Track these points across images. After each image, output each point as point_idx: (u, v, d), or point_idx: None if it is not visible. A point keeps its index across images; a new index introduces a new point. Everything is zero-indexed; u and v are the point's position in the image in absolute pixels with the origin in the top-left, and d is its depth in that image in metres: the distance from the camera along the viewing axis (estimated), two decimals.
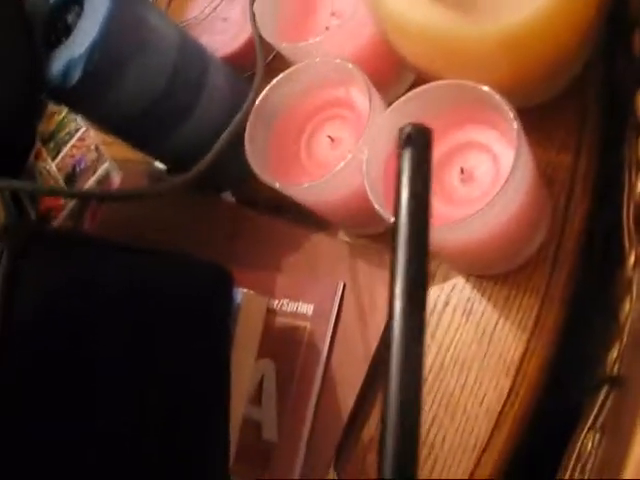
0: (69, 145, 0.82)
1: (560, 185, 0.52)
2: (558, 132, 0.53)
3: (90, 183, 0.78)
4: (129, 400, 0.46)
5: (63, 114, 0.82)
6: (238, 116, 0.53)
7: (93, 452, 0.43)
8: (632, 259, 0.42)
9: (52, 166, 0.81)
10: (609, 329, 0.44)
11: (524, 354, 0.49)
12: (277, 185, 0.49)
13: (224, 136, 0.53)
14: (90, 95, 0.52)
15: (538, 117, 0.53)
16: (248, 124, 0.51)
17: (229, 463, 0.52)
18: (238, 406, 0.54)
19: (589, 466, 0.40)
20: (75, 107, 0.58)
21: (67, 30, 0.53)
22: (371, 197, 0.44)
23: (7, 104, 0.51)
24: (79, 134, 0.82)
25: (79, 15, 0.52)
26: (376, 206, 0.44)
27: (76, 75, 0.50)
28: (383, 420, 0.26)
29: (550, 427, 0.50)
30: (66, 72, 0.50)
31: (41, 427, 0.40)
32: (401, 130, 0.31)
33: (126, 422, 0.45)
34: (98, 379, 0.44)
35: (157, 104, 0.55)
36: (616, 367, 0.40)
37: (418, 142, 0.31)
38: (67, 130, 0.82)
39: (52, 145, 0.82)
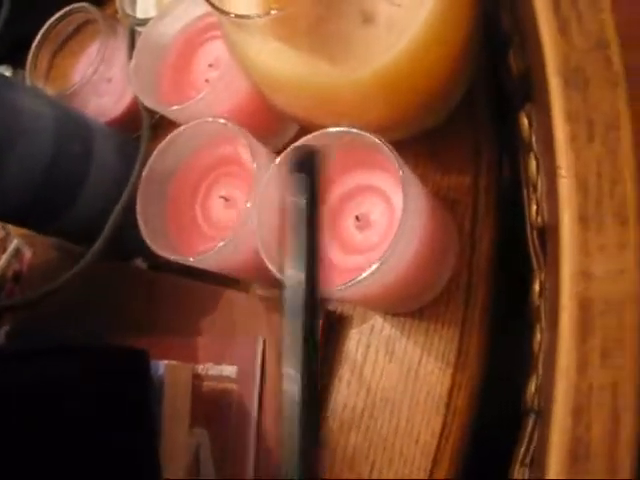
0: None
1: (464, 206, 0.51)
2: (455, 155, 0.53)
3: (3, 261, 0.76)
4: None
5: None
6: (127, 189, 0.52)
7: None
8: (537, 286, 0.41)
9: None
10: (526, 357, 0.43)
11: (451, 388, 0.48)
12: (174, 257, 0.47)
13: (115, 213, 0.51)
14: None
15: (433, 143, 0.53)
16: (138, 196, 0.49)
17: None
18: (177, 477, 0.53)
19: None
20: None
21: None
22: (265, 259, 0.43)
23: None
24: None
25: None
26: (271, 267, 0.42)
27: None
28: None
29: (485, 455, 0.49)
30: None
31: None
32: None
33: None
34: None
35: (45, 186, 0.53)
36: (535, 401, 0.40)
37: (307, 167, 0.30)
38: None
39: None
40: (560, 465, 0.27)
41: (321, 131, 0.44)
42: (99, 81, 0.64)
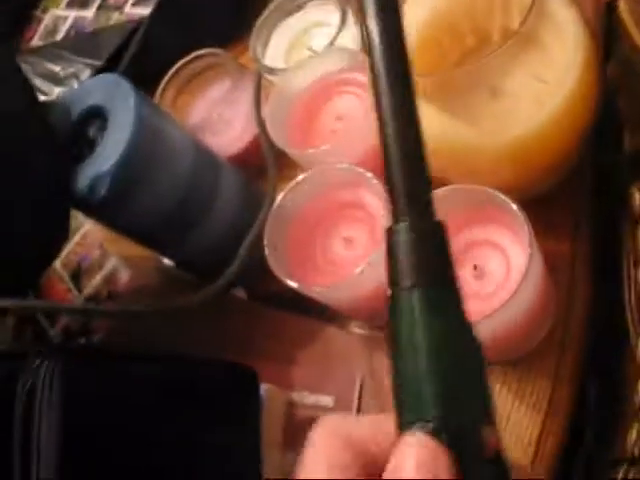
0: (72, 243, 0.84)
1: (562, 272, 0.55)
2: (555, 221, 0.57)
3: (97, 280, 0.80)
4: None
5: None
6: (255, 224, 0.56)
7: None
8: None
9: (57, 263, 0.83)
10: (623, 411, 0.47)
11: (540, 435, 0.52)
12: (300, 287, 0.51)
13: (247, 241, 0.56)
14: (114, 207, 0.55)
15: (536, 209, 0.57)
16: (266, 230, 0.53)
17: None
18: None
19: None
20: (98, 219, 0.60)
21: (90, 144, 0.55)
22: None
23: (37, 221, 0.53)
24: (82, 231, 0.84)
25: (102, 129, 0.55)
26: None
27: (102, 190, 0.53)
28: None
29: None
30: (93, 186, 0.53)
31: None
32: None
33: None
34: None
35: (176, 211, 0.58)
36: (637, 449, 0.43)
37: None
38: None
39: None
40: None
41: (450, 187, 0.49)
42: (219, 121, 0.70)
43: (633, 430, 0.44)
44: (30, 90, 0.57)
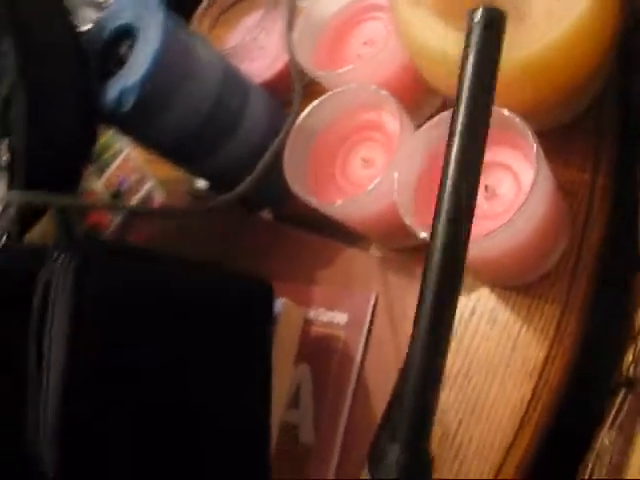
0: (114, 165, 0.87)
1: (579, 200, 0.55)
2: (577, 151, 0.57)
3: (134, 201, 0.83)
4: (177, 400, 0.49)
5: (109, 136, 0.87)
6: (279, 137, 0.57)
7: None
8: None
9: (98, 185, 0.86)
10: (625, 332, 0.47)
11: (546, 359, 0.52)
12: (314, 202, 0.52)
13: (265, 158, 0.57)
14: (141, 120, 0.57)
15: (558, 139, 0.57)
16: (287, 145, 0.55)
17: (270, 463, 0.55)
18: (277, 410, 0.58)
19: (605, 463, 0.43)
20: (127, 131, 0.62)
21: (120, 62, 0.57)
22: (401, 212, 0.48)
23: (65, 130, 0.55)
24: (123, 155, 0.87)
25: (131, 47, 0.57)
26: (407, 221, 0.47)
27: (130, 102, 0.54)
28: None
29: (572, 429, 0.53)
30: (120, 99, 0.55)
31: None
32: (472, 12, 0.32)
33: (173, 421, 0.49)
34: (154, 376, 0.48)
35: (202, 127, 0.59)
36: (631, 370, 0.44)
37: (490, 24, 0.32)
38: (112, 151, 0.87)
39: (98, 165, 0.87)
40: None
41: None
42: (254, 48, 0.71)
43: (630, 352, 0.44)
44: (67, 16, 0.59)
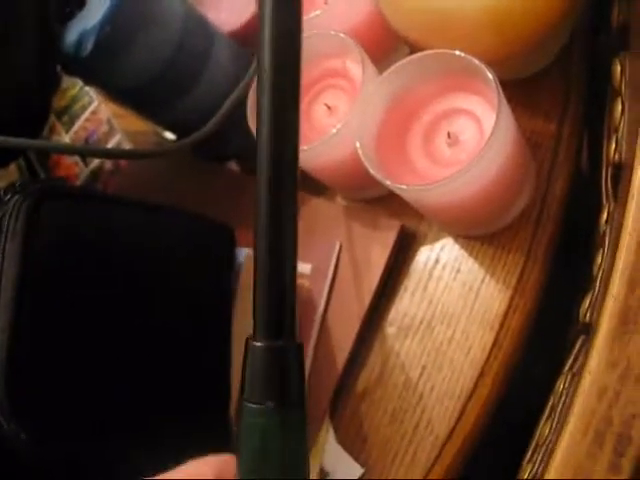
0: (82, 118, 0.85)
1: (544, 151, 0.55)
2: (543, 103, 0.56)
3: None
4: (132, 342, 0.49)
5: (77, 89, 0.86)
6: (242, 84, 0.56)
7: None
8: (605, 214, 0.45)
9: (66, 139, 0.85)
10: (584, 279, 0.47)
11: (508, 309, 0.52)
12: None
13: (228, 102, 0.56)
14: (101, 64, 0.56)
15: (524, 89, 0.56)
16: (250, 92, 0.54)
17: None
18: (238, 359, 0.58)
19: (559, 407, 0.43)
20: (87, 77, 0.61)
21: (81, 3, 0.56)
22: (362, 157, 0.47)
23: (22, 75, 0.54)
24: (92, 108, 0.85)
25: None
26: (369, 169, 0.47)
27: (88, 46, 0.53)
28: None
29: (531, 377, 0.53)
30: (79, 43, 0.54)
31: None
32: None
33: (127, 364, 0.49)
34: (109, 318, 0.48)
35: (164, 73, 0.58)
36: (588, 315, 0.43)
37: None
38: (80, 104, 0.86)
39: (66, 119, 0.86)
40: (609, 326, 0.31)
41: (424, 52, 0.48)
42: None
43: (587, 297, 0.44)
44: None
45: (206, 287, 0.53)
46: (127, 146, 0.80)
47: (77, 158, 0.83)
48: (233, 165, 0.70)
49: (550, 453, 0.37)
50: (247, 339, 0.28)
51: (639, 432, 0.30)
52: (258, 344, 0.27)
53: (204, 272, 0.53)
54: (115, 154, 0.60)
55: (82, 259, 0.46)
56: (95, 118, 0.85)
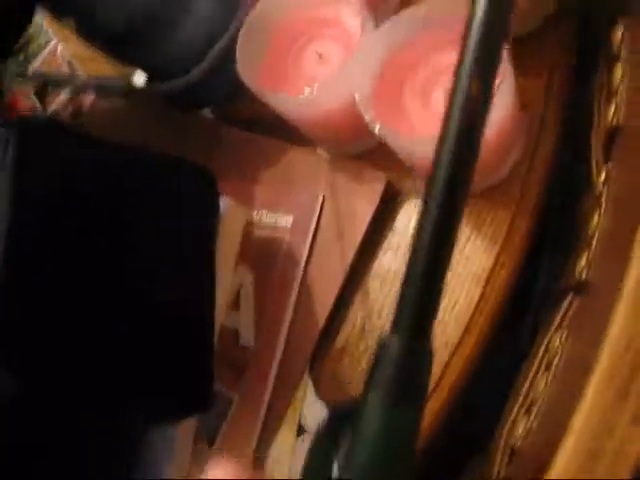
0: (39, 59, 0.82)
1: (534, 110, 0.55)
2: (533, 62, 0.56)
3: (62, 98, 0.78)
4: (116, 285, 0.47)
5: (33, 26, 0.81)
6: (230, 28, 0.54)
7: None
8: (603, 175, 0.45)
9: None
10: (577, 241, 0.48)
11: (494, 265, 0.53)
12: (266, 96, 0.50)
13: (217, 47, 0.54)
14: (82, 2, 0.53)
15: (517, 48, 0.56)
16: (240, 38, 0.52)
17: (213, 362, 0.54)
18: (219, 310, 0.57)
19: (555, 361, 0.44)
20: (69, 12, 0.58)
21: None
22: (361, 107, 0.46)
23: None
24: (49, 47, 0.82)
25: None
26: (368, 119, 0.46)
27: None
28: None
29: (518, 334, 0.54)
30: None
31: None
32: None
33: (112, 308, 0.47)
34: (93, 260, 0.46)
35: (145, 13, 0.56)
36: (584, 273, 0.44)
37: None
38: (37, 43, 0.82)
39: (22, 57, 0.82)
40: (629, 301, 0.32)
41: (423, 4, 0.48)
42: None
43: (583, 256, 0.45)
44: None
45: (190, 235, 0.52)
46: (89, 91, 0.76)
47: (34, 99, 0.79)
48: (207, 113, 0.68)
49: (559, 406, 0.38)
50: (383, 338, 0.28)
51: None
52: (402, 343, 0.28)
53: (189, 218, 0.52)
54: (104, 90, 0.57)
55: (71, 201, 0.44)
56: (53, 59, 0.81)
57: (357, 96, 0.47)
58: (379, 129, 0.46)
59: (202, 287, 0.53)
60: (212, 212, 0.54)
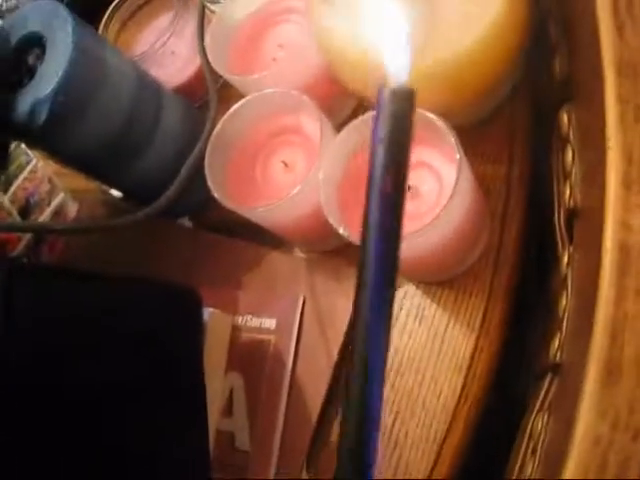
0: (21, 178, 0.84)
1: (497, 194, 0.57)
2: (491, 147, 0.58)
3: (46, 215, 0.80)
4: (106, 422, 0.48)
5: (12, 147, 0.84)
6: (197, 148, 0.57)
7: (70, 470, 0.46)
8: (566, 258, 0.47)
9: (5, 199, 0.83)
10: (549, 321, 0.49)
11: (474, 351, 0.54)
12: (237, 208, 0.52)
13: (185, 168, 0.57)
14: (55, 133, 0.55)
15: (472, 134, 0.58)
16: (207, 154, 0.54)
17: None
18: (211, 419, 0.57)
19: (540, 445, 0.44)
20: (40, 145, 0.60)
21: (30, 72, 0.55)
22: (327, 214, 0.48)
23: None
24: (30, 167, 0.84)
25: (41, 58, 0.55)
26: (333, 223, 0.48)
27: (42, 116, 0.53)
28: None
29: (503, 415, 0.55)
30: (32, 113, 0.53)
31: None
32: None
33: (105, 443, 0.48)
34: (76, 402, 0.46)
35: (118, 139, 0.58)
36: (558, 355, 0.45)
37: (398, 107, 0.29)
38: (17, 163, 0.84)
39: (3, 179, 0.84)
40: (597, 376, 0.33)
41: None
42: (165, 52, 0.70)
43: (555, 339, 0.46)
44: None
45: (180, 359, 0.53)
46: (72, 205, 0.78)
47: (19, 218, 0.81)
48: (185, 221, 0.70)
49: None
50: None
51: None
52: None
53: (176, 342, 0.53)
54: (76, 230, 0.59)
55: (54, 343, 0.45)
56: (34, 177, 0.83)
57: (323, 203, 0.49)
58: (343, 231, 0.47)
59: (193, 405, 0.53)
60: (198, 330, 0.55)
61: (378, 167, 0.30)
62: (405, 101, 0.29)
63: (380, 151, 0.30)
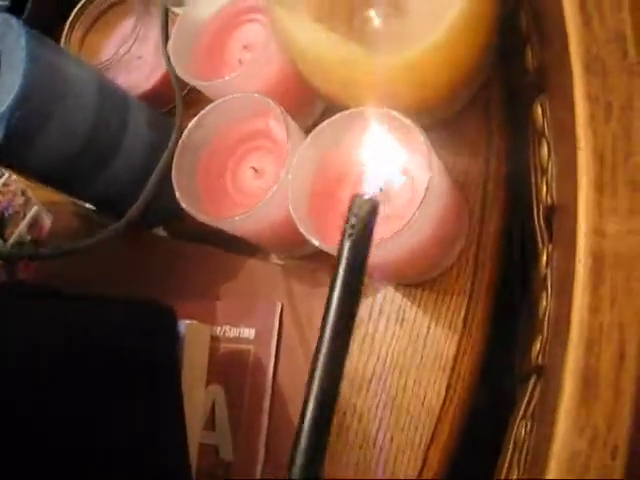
0: None
1: (474, 191, 0.56)
2: (467, 142, 0.57)
3: (21, 228, 0.79)
4: (85, 446, 0.47)
5: None
6: (164, 157, 0.55)
7: None
8: (544, 257, 0.46)
9: None
10: (531, 322, 0.48)
11: (457, 353, 0.53)
12: (206, 219, 0.51)
13: (152, 180, 0.55)
14: (15, 149, 0.53)
15: (447, 130, 0.57)
16: (174, 162, 0.53)
17: None
18: (194, 433, 0.56)
19: (524, 453, 0.43)
20: (1, 163, 0.59)
21: None
22: (297, 222, 0.46)
23: None
24: (2, 180, 0.82)
25: None
26: (303, 230, 0.46)
27: (0, 133, 0.51)
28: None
29: (490, 415, 0.53)
30: None
31: None
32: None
33: (82, 459, 0.47)
34: (52, 426, 0.45)
35: (82, 150, 0.56)
36: (540, 357, 0.44)
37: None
38: None
39: None
40: (573, 388, 0.32)
41: (351, 110, 0.48)
42: (130, 58, 0.68)
43: (537, 341, 0.45)
44: None
45: (156, 377, 0.52)
46: (46, 217, 0.77)
47: None
48: (160, 231, 0.68)
49: None
50: None
51: None
52: None
53: (151, 361, 0.52)
54: (45, 256, 0.57)
55: (28, 362, 0.44)
56: (8, 190, 0.82)
57: (293, 211, 0.47)
58: (319, 244, 0.46)
59: (172, 421, 0.52)
60: (173, 347, 0.54)
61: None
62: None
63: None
